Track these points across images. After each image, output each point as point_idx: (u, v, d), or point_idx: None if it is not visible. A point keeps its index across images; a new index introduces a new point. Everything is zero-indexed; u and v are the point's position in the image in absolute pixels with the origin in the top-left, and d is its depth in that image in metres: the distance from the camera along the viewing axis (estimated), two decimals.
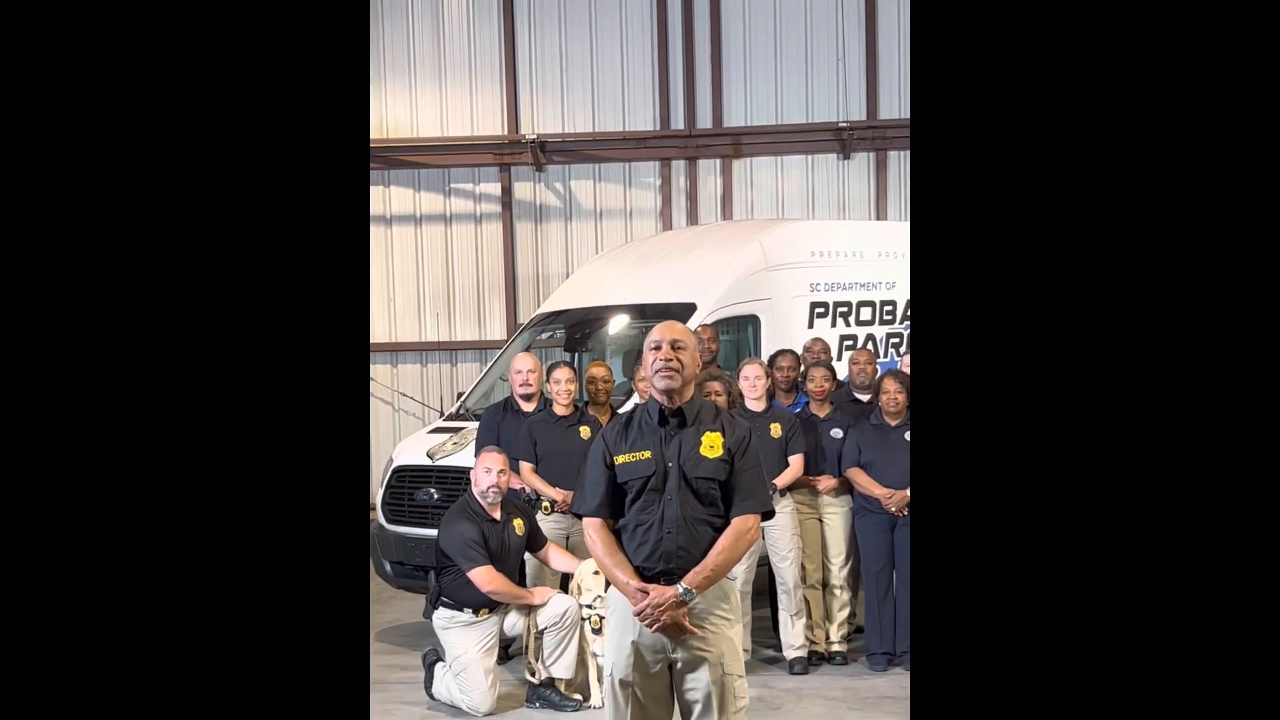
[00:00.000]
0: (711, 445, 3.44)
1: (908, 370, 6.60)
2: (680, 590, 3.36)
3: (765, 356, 7.10)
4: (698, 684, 3.44)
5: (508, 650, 6.36)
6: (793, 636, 6.20)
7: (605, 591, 5.21)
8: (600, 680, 5.29)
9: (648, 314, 7.90)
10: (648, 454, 3.44)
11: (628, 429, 3.52)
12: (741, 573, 5.91)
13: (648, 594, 3.37)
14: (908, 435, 6.03)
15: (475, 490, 5.66)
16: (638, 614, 3.39)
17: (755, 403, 6.14)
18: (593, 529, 3.51)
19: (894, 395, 6.09)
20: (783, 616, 6.26)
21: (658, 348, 3.45)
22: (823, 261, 8.25)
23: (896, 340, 8.60)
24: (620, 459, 3.47)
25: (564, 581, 5.95)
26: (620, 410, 6.50)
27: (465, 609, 5.57)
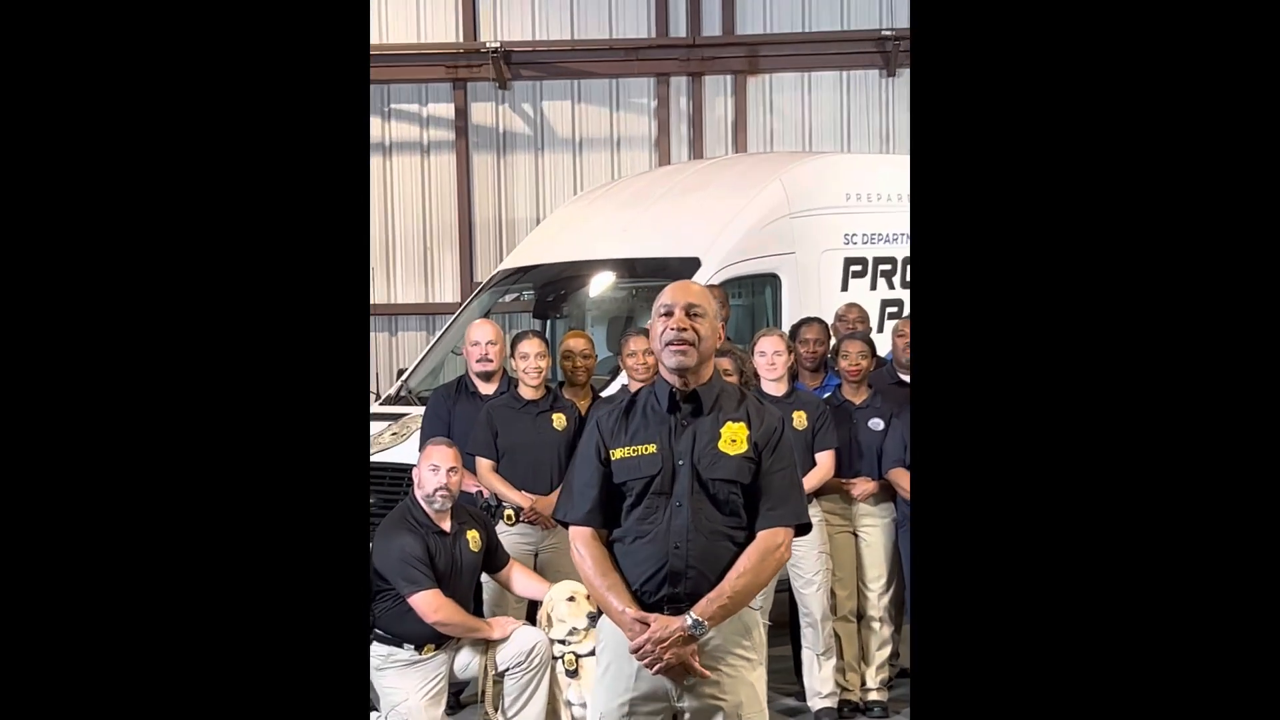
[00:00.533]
0: (734, 439, 3.47)
1: None
2: (689, 622, 3.38)
3: (787, 326, 7.08)
4: None
5: (459, 697, 6.33)
6: (819, 682, 6.19)
7: (585, 624, 5.24)
8: None
9: (639, 271, 7.94)
10: (653, 448, 3.47)
11: (629, 416, 3.55)
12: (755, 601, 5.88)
13: (649, 625, 3.39)
14: None
15: (419, 494, 5.61)
16: (635, 651, 3.40)
17: (774, 385, 6.12)
18: (581, 542, 3.53)
19: None
20: (807, 656, 6.24)
21: (669, 313, 3.48)
22: (861, 206, 8.25)
23: None
24: (618, 453, 3.50)
25: (530, 611, 5.93)
26: (604, 393, 6.48)
27: (405, 644, 5.53)
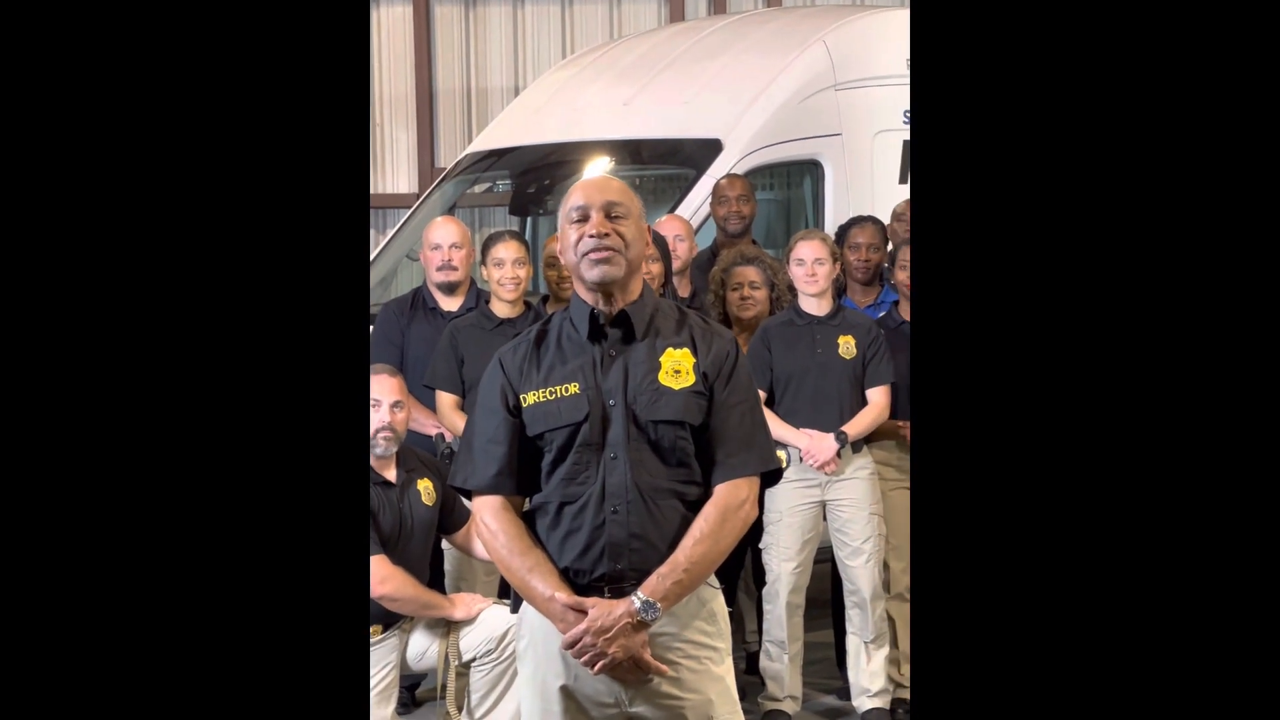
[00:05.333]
0: (677, 368, 3.51)
1: None
2: (637, 605, 3.39)
3: (832, 227, 7.16)
4: None
5: (414, 693, 6.40)
6: (868, 676, 6.20)
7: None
8: None
9: (645, 156, 8.12)
10: (575, 387, 3.50)
11: (540, 349, 3.60)
12: (787, 575, 5.97)
13: (585, 613, 3.42)
14: None
15: None
16: (570, 646, 3.43)
17: (815, 301, 6.11)
18: (489, 513, 3.57)
19: None
20: (853, 644, 6.25)
21: (583, 217, 3.51)
22: None
23: None
24: (531, 397, 3.54)
25: (504, 584, 5.72)
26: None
27: None
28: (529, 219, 8.64)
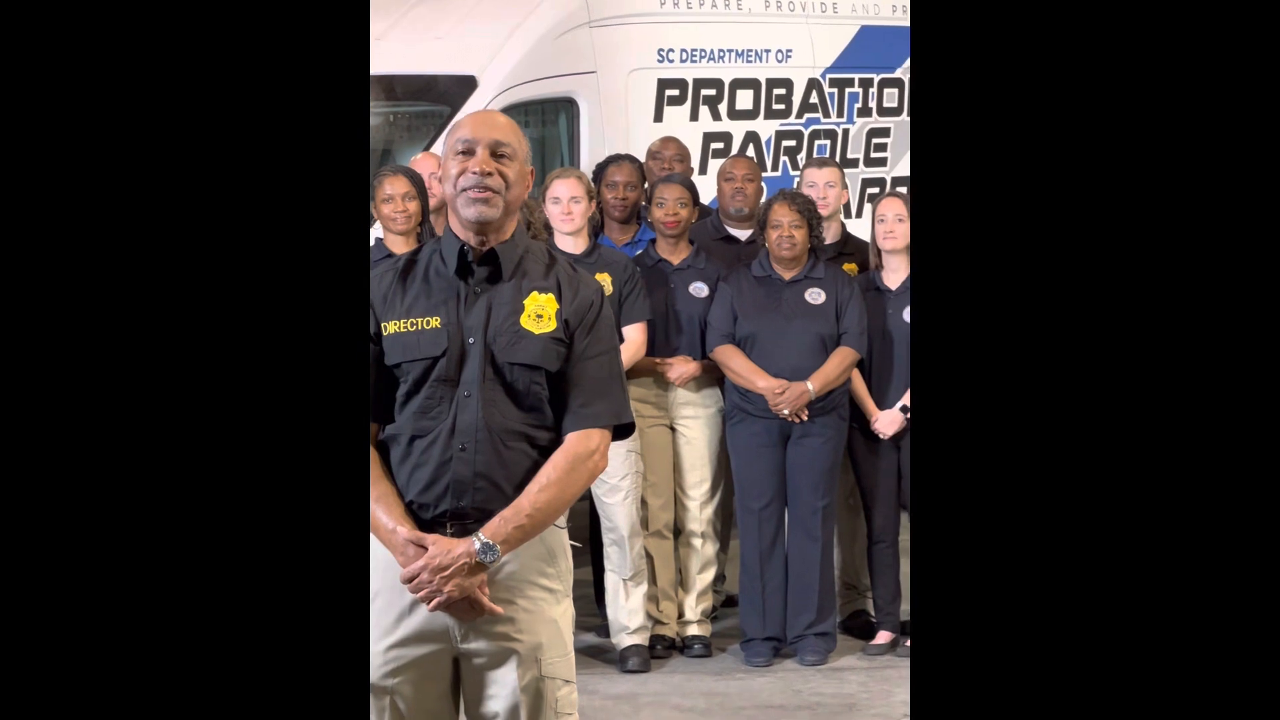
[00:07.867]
0: (539, 313, 3.52)
1: (814, 190, 6.66)
2: (477, 546, 3.38)
3: (587, 165, 7.19)
4: (499, 692, 3.53)
5: None
6: (626, 613, 6.25)
7: None
8: None
9: (398, 91, 7.99)
10: (436, 322, 3.50)
11: (406, 280, 3.58)
12: None
13: (425, 549, 3.41)
14: (812, 295, 6.14)
15: None
16: (408, 580, 3.42)
17: (571, 239, 6.16)
18: None
19: (788, 231, 6.13)
20: (611, 581, 6.31)
21: (468, 151, 3.48)
22: (679, 14, 8.37)
23: (793, 143, 8.70)
24: (392, 327, 3.52)
25: None
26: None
27: None
28: None
